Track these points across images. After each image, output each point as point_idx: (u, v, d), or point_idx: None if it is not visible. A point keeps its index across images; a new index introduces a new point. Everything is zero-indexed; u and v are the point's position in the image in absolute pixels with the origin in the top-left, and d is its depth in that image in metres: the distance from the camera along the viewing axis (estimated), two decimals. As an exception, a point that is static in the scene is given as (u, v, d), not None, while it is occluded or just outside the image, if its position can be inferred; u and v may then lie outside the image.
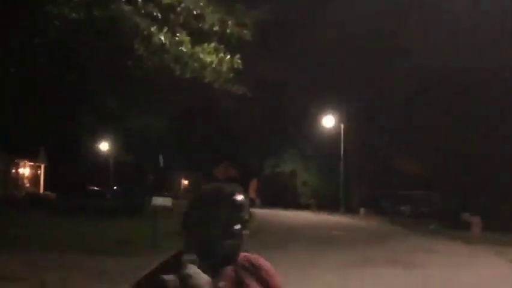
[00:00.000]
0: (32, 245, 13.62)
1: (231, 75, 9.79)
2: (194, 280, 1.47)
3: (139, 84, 16.48)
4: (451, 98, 31.74)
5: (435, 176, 37.83)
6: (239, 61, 9.65)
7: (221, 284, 1.60)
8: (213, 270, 1.58)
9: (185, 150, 46.76)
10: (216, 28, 9.64)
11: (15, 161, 36.14)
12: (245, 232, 1.66)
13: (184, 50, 9.35)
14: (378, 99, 39.13)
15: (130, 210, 26.33)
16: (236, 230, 1.63)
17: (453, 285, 11.24)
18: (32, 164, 38.61)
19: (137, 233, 16.88)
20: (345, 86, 41.07)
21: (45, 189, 39.19)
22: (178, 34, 9.42)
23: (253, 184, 52.25)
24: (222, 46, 9.71)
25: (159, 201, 17.89)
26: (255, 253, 1.78)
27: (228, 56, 9.60)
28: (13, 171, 36.47)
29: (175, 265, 1.56)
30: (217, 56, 9.54)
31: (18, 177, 37.22)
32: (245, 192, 1.72)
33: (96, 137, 41.96)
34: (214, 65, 9.53)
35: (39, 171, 40.08)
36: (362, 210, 42.29)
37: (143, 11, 9.14)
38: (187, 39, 9.38)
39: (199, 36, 9.68)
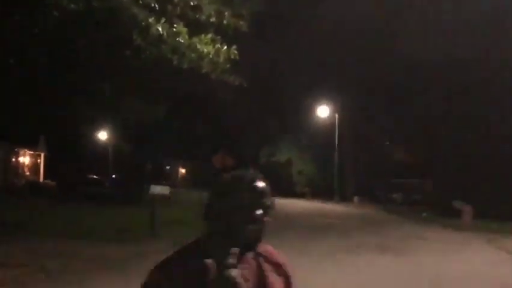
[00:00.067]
0: (32, 232, 13.64)
1: (228, 65, 9.78)
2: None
3: (137, 74, 16.42)
4: (444, 89, 31.65)
5: (427, 164, 37.94)
6: (236, 52, 9.63)
7: (244, 271, 1.61)
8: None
9: (183, 139, 46.71)
10: (212, 19, 9.61)
11: (15, 149, 36.05)
12: (267, 218, 1.66)
13: (182, 41, 9.32)
14: (373, 90, 39.04)
15: (129, 199, 26.34)
16: (257, 215, 1.63)
17: (444, 271, 11.31)
18: (32, 152, 38.51)
19: (136, 220, 16.91)
20: (340, 76, 41.02)
21: (45, 177, 39.13)
22: (175, 25, 9.38)
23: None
24: (219, 37, 9.68)
25: (157, 189, 17.96)
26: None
27: (225, 47, 9.58)
28: (13, 159, 36.38)
29: (196, 251, 1.56)
30: (214, 46, 9.52)
31: (19, 166, 37.14)
32: (266, 179, 1.72)
33: (95, 126, 41.86)
34: (211, 56, 9.51)
35: (39, 160, 40.00)
36: (355, 198, 42.46)
37: (141, 2, 9.10)
38: (184, 30, 9.35)
39: (196, 27, 9.65)
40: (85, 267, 9.96)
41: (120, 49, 10.58)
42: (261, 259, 1.69)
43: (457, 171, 31.33)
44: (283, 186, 49.40)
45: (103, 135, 48.19)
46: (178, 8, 9.49)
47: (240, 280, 1.49)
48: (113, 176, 42.50)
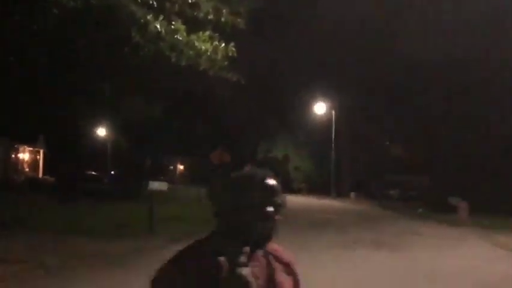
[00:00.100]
0: (31, 228, 13.62)
1: (226, 63, 9.77)
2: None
3: (137, 73, 16.40)
4: (443, 89, 31.54)
5: (424, 161, 37.98)
6: (233, 49, 9.62)
7: (255, 268, 1.60)
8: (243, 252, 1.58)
9: (182, 137, 46.70)
10: (210, 16, 9.60)
11: (15, 146, 36.00)
12: (278, 216, 1.65)
13: (180, 38, 9.31)
14: (372, 89, 38.98)
15: (127, 195, 26.32)
16: (268, 212, 1.61)
17: (439, 267, 11.34)
18: (31, 149, 38.47)
19: (134, 216, 16.89)
20: (338, 74, 41.02)
21: (44, 173, 39.09)
22: (173, 22, 9.37)
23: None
24: (217, 34, 9.67)
25: (155, 185, 17.93)
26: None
27: (223, 44, 9.57)
28: (13, 156, 36.33)
29: (209, 247, 1.55)
30: (211, 44, 9.50)
31: (18, 162, 37.10)
32: (277, 177, 1.71)
33: (94, 122, 41.80)
34: (209, 53, 9.50)
35: (38, 156, 39.95)
36: (352, 194, 42.52)
37: (139, 0, 9.08)
38: (182, 27, 9.33)
39: (194, 25, 9.64)
40: (84, 263, 9.95)
41: (119, 47, 10.57)
42: (270, 257, 1.69)
43: (453, 168, 31.38)
44: (280, 182, 49.51)
45: (101, 132, 48.14)
46: (176, 5, 9.47)
47: (251, 279, 1.48)
48: (112, 172, 42.48)
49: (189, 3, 9.51)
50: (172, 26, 9.29)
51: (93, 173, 36.35)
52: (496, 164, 28.90)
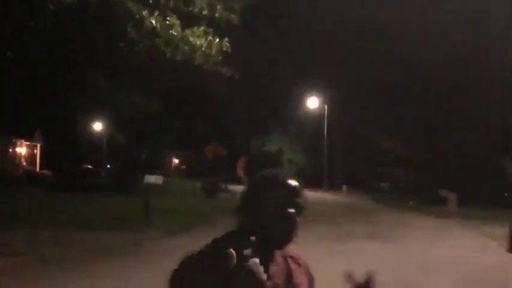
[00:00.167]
0: (30, 221, 13.56)
1: (220, 57, 9.75)
2: (261, 274, 1.45)
3: (134, 70, 16.36)
4: (444, 89, 31.41)
5: (415, 154, 38.09)
6: (228, 44, 9.59)
7: (273, 268, 1.59)
8: (262, 252, 1.56)
9: (176, 130, 46.62)
10: (205, 12, 9.56)
11: (13, 140, 35.83)
12: (299, 218, 1.62)
13: (175, 34, 9.28)
14: (363, 83, 38.88)
15: (124, 188, 26.26)
16: (289, 213, 1.59)
17: (429, 257, 11.39)
18: (28, 143, 38.29)
19: (131, 210, 16.86)
20: (330, 69, 40.95)
21: (41, 167, 38.92)
22: (168, 18, 9.33)
23: (241, 162, 52.25)
24: (211, 30, 9.64)
25: (151, 179, 17.91)
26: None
27: (217, 39, 9.54)
28: (10, 150, 36.16)
29: (229, 243, 1.53)
30: (206, 39, 9.48)
31: (16, 156, 36.92)
32: (300, 180, 1.68)
33: (90, 117, 41.66)
34: (203, 48, 9.48)
35: (35, 150, 39.77)
36: (344, 187, 42.60)
37: (134, -4, 9.04)
38: (177, 22, 9.30)
39: (189, 20, 9.60)
40: (83, 256, 9.93)
41: (116, 43, 10.52)
42: (288, 258, 1.68)
43: (443, 161, 31.51)
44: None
45: (98, 126, 47.98)
46: (171, 1, 9.43)
47: (257, 269, 1.46)
48: (108, 166, 42.37)
49: (184, -1, 9.48)
50: (167, 22, 9.25)
51: (90, 166, 36.21)
52: (486, 159, 29.06)
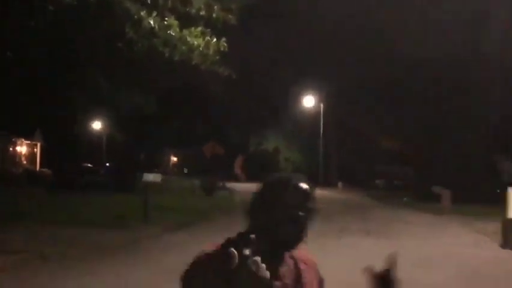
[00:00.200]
0: (30, 219, 13.53)
1: (217, 57, 9.74)
2: (261, 272, 1.44)
3: (130, 66, 16.31)
4: (444, 89, 31.27)
5: (411, 153, 38.12)
6: (225, 44, 9.59)
7: (283, 268, 1.60)
8: (271, 253, 1.56)
9: (174, 129, 46.58)
10: (202, 12, 9.56)
11: (13, 139, 35.74)
12: (309, 221, 1.62)
13: (173, 34, 9.27)
14: (360, 81, 38.81)
15: (123, 186, 26.22)
16: (299, 215, 1.59)
17: (423, 253, 11.42)
18: (28, 142, 38.21)
19: (130, 207, 16.83)
20: (326, 68, 40.94)
21: (41, 166, 38.84)
22: (166, 18, 9.33)
23: (239, 161, 52.37)
24: (209, 30, 9.63)
25: (150, 177, 17.87)
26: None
27: (215, 39, 9.53)
28: (11, 149, 36.08)
29: (237, 244, 1.52)
30: (204, 39, 9.47)
31: (16, 155, 36.84)
32: (311, 183, 1.68)
33: (90, 116, 41.53)
34: (201, 48, 9.47)
35: (35, 149, 39.69)
36: (339, 184, 42.66)
37: (133, -4, 9.02)
38: (175, 23, 9.29)
39: (186, 21, 9.60)
40: (82, 253, 9.91)
41: (115, 43, 10.50)
42: (298, 259, 1.68)
43: (438, 160, 31.54)
44: (270, 173, 49.69)
45: (97, 125, 47.90)
46: (169, 1, 9.42)
47: (258, 268, 1.45)
48: (107, 164, 42.30)
49: (182, -1, 9.47)
50: (165, 22, 9.25)
51: (89, 165, 36.16)
52: (481, 158, 29.10)
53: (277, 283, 1.55)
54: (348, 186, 41.12)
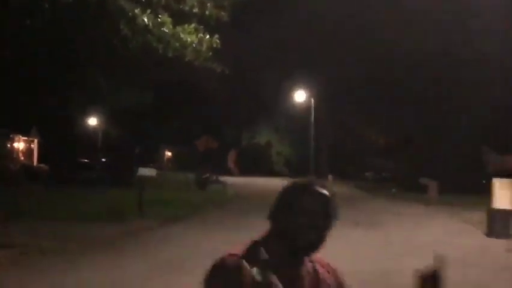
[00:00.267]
0: (29, 214, 13.47)
1: (210, 53, 9.72)
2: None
3: (126, 62, 16.24)
4: (445, 89, 31.23)
5: (397, 144, 38.26)
6: (218, 41, 9.56)
7: (302, 273, 1.58)
8: (291, 257, 1.56)
9: (169, 124, 46.47)
10: (195, 10, 9.52)
11: (10, 135, 35.51)
12: (328, 227, 1.60)
13: (166, 31, 9.23)
14: (347, 79, 38.86)
15: (118, 181, 26.13)
16: (318, 222, 1.57)
17: (411, 242, 11.49)
18: (26, 138, 37.97)
19: (126, 201, 16.78)
20: (318, 64, 40.98)
21: (38, 162, 38.63)
22: (160, 15, 9.28)
23: (232, 155, 52.38)
24: (202, 27, 9.60)
25: (145, 172, 17.84)
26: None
27: (207, 36, 9.50)
28: (8, 145, 35.84)
29: (253, 254, 1.51)
30: (197, 36, 9.44)
31: (13, 151, 36.60)
32: (332, 190, 1.65)
33: (86, 112, 41.35)
34: (194, 45, 9.44)
35: (32, 145, 39.45)
36: (330, 176, 42.74)
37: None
38: (168, 20, 9.25)
39: (180, 18, 9.56)
40: (80, 247, 9.89)
41: (110, 40, 10.43)
42: (317, 264, 1.66)
43: (424, 151, 31.70)
44: (262, 166, 49.74)
45: (92, 121, 47.67)
46: (163, -1, 9.38)
47: (266, 281, 1.42)
48: (103, 159, 42.08)
49: (175, -3, 9.43)
50: (159, 19, 9.21)
51: (85, 160, 35.96)
52: (465, 149, 29.24)
53: None
54: (338, 179, 41.21)
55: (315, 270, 1.64)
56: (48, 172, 31.53)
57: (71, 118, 36.43)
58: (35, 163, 38.07)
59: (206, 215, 16.41)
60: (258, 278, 1.37)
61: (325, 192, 1.61)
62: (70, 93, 23.33)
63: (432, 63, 29.50)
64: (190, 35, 9.31)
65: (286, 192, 1.65)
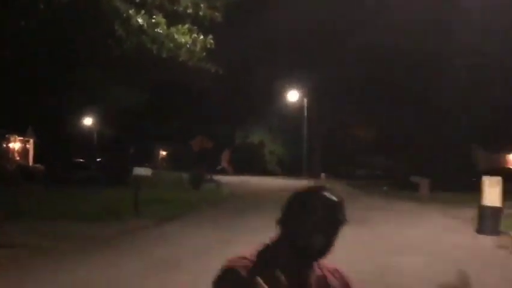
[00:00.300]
0: (27, 214, 13.40)
1: (204, 54, 9.71)
2: None
3: (122, 63, 16.21)
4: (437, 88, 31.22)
5: (389, 143, 38.34)
6: (211, 41, 9.55)
7: (311, 277, 1.59)
8: (300, 262, 1.56)
9: (164, 124, 46.39)
10: (189, 10, 9.50)
11: (6, 136, 35.30)
12: (336, 233, 1.60)
13: (160, 31, 9.22)
14: (338, 77, 38.89)
15: (114, 180, 26.04)
16: (327, 227, 1.57)
17: (402, 239, 11.51)
18: (21, 138, 37.76)
19: (121, 201, 16.74)
20: (311, 64, 40.98)
21: (34, 162, 38.42)
22: (154, 16, 9.26)
23: (226, 154, 52.35)
24: (196, 27, 9.59)
25: (140, 171, 17.78)
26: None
27: (201, 37, 9.49)
28: (4, 145, 35.63)
29: (264, 259, 1.49)
30: (190, 36, 9.43)
31: (9, 151, 36.39)
32: (341, 197, 1.65)
33: (81, 112, 41.23)
34: (188, 45, 9.43)
35: (28, 145, 39.24)
36: (322, 175, 42.81)
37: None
38: (163, 21, 9.24)
39: (174, 18, 9.55)
40: (77, 246, 9.86)
41: (105, 41, 10.40)
42: (325, 268, 1.67)
43: (416, 149, 31.77)
44: (256, 166, 49.73)
45: (88, 121, 47.50)
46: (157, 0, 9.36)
47: None
48: (98, 159, 41.95)
49: (169, -3, 9.41)
50: (153, 20, 9.18)
51: (81, 160, 35.83)
52: (456, 148, 29.35)
53: None
54: (331, 177, 41.27)
55: (324, 276, 1.65)
56: (44, 172, 31.38)
57: (66, 118, 36.28)
58: (30, 163, 37.88)
59: (201, 214, 16.38)
60: None
61: (334, 198, 1.62)
62: (70, 93, 23.24)
63: (432, 63, 29.53)
64: (184, 36, 9.30)
65: (296, 197, 1.65)
